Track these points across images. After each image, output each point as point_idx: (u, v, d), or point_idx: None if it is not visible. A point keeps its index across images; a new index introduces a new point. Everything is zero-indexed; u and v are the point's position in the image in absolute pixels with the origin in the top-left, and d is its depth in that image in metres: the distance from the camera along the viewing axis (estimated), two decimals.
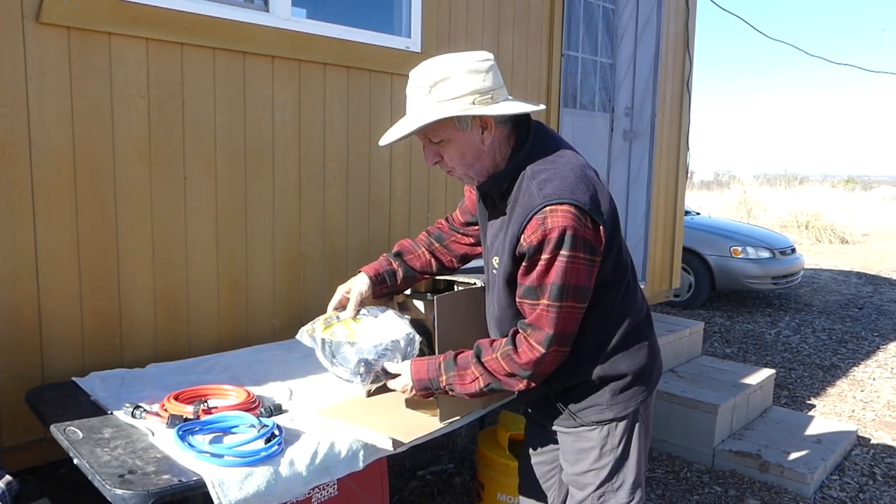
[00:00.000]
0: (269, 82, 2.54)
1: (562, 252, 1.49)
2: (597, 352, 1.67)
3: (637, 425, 1.75)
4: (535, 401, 1.83)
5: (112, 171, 2.15)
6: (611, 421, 1.71)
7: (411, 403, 1.85)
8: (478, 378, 1.63)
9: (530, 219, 1.51)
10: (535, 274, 1.53)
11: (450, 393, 1.67)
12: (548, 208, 1.49)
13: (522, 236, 1.53)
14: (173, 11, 2.23)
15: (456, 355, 1.67)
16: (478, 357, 1.63)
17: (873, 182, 35.61)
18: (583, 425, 1.74)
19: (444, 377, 1.66)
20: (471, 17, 3.33)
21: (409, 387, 1.72)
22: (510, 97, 1.62)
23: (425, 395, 1.73)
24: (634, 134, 4.79)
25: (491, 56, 1.59)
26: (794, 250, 7.76)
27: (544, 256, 1.50)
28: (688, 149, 5.07)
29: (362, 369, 1.76)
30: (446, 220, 2.05)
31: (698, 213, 9.02)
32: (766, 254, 7.30)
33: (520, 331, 1.60)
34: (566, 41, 4.05)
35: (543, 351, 1.55)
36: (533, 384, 1.62)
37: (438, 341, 1.76)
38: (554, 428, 1.82)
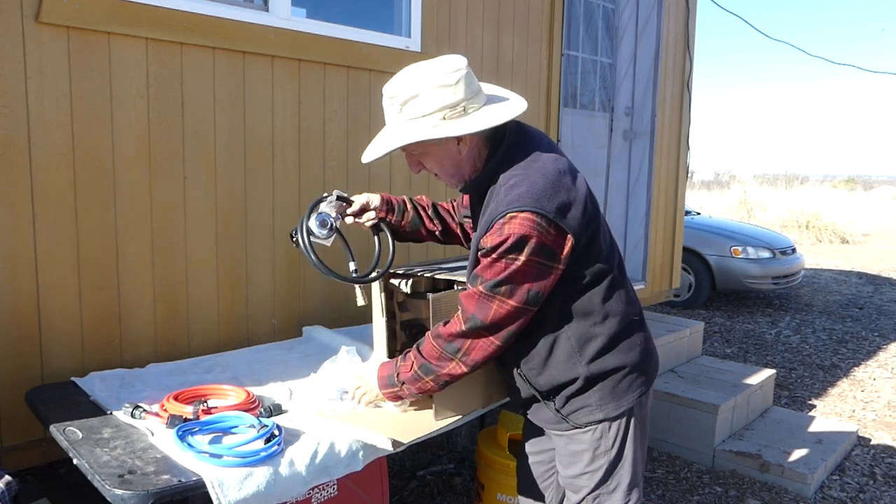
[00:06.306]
0: (269, 82, 2.54)
1: (512, 256, 1.52)
2: (579, 352, 1.66)
3: (632, 425, 1.73)
4: (528, 404, 1.81)
5: (112, 171, 2.15)
6: (602, 422, 1.70)
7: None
8: (413, 362, 1.68)
9: (492, 225, 1.55)
10: (480, 267, 1.58)
11: (403, 388, 1.71)
12: (508, 215, 1.52)
13: (482, 240, 1.57)
14: (173, 11, 2.23)
15: (409, 351, 1.72)
16: (418, 344, 1.70)
17: (874, 182, 35.57)
18: (575, 427, 1.72)
19: (396, 370, 1.72)
20: (471, 17, 3.32)
21: (370, 387, 1.78)
22: (487, 99, 1.62)
23: (391, 396, 1.76)
24: (634, 134, 4.79)
25: (462, 65, 1.57)
26: (794, 250, 7.76)
27: (493, 256, 1.54)
28: (688, 148, 5.07)
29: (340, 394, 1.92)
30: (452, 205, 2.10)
31: (698, 213, 9.01)
32: (766, 254, 7.30)
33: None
34: (566, 41, 4.05)
35: (464, 328, 1.59)
36: (465, 369, 1.63)
37: None
38: (548, 431, 1.82)
